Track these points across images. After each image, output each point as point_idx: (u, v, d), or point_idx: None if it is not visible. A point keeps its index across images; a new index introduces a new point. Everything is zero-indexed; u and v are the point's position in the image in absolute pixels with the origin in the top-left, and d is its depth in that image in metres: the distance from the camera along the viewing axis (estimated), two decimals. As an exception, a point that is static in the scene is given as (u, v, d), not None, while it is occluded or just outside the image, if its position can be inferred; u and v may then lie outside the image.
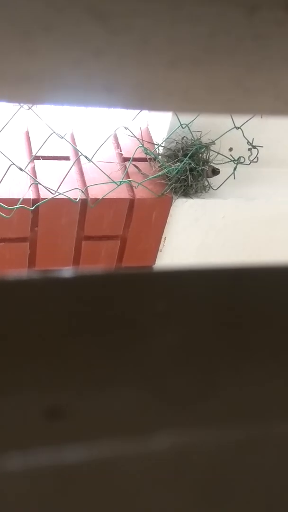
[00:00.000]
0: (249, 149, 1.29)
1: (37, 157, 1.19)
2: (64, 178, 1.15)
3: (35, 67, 0.17)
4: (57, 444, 0.18)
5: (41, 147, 1.16)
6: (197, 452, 0.20)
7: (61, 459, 0.18)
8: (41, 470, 0.18)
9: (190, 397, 0.20)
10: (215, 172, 1.22)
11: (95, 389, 0.20)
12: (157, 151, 1.27)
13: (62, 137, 1.17)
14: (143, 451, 0.19)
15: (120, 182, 1.19)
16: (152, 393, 0.20)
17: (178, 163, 1.22)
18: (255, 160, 1.28)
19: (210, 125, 1.25)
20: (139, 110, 1.21)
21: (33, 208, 1.13)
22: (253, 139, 1.28)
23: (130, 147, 1.27)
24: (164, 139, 1.25)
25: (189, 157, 1.21)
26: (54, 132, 1.15)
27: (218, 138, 1.25)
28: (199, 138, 1.24)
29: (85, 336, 0.21)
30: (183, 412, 0.20)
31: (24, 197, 1.12)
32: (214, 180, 1.25)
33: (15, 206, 1.11)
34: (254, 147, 1.28)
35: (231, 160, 1.27)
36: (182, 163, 1.21)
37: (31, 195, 1.13)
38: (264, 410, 0.20)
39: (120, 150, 1.27)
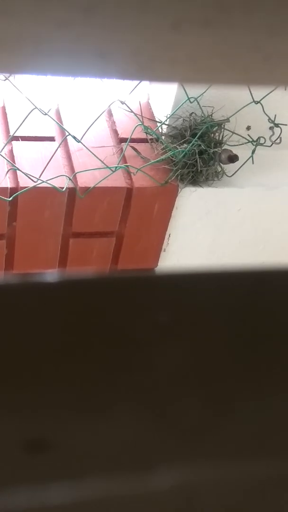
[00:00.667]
0: (271, 128, 1.29)
1: (16, 138, 1.19)
2: (48, 163, 1.15)
3: (12, 29, 0.17)
4: (40, 482, 0.18)
5: (20, 125, 1.16)
6: (204, 492, 0.20)
7: (44, 500, 0.18)
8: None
9: (197, 427, 0.20)
10: (232, 159, 1.22)
11: (85, 417, 0.20)
12: (160, 130, 1.27)
13: (46, 114, 1.17)
14: (141, 490, 0.19)
15: (116, 167, 1.19)
16: (153, 421, 0.20)
17: (185, 145, 1.22)
18: (277, 141, 1.28)
19: (223, 99, 1.25)
20: (137, 81, 1.21)
21: (10, 199, 1.13)
22: (275, 115, 1.28)
23: (127, 126, 1.27)
24: (168, 116, 1.25)
25: (199, 138, 1.21)
26: (36, 108, 1.16)
27: (233, 115, 1.25)
28: (211, 115, 1.24)
29: (73, 354, 0.21)
30: (189, 444, 0.20)
31: (0, 186, 1.12)
32: (229, 166, 1.25)
33: (-11, 197, 1.11)
34: (277, 125, 1.28)
35: (249, 141, 1.27)
36: (190, 144, 1.21)
37: (8, 183, 1.13)
38: (286, 444, 0.20)
39: (116, 130, 1.27)
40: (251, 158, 1.27)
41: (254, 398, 0.21)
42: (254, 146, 1.27)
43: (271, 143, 1.28)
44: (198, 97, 1.22)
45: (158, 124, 1.27)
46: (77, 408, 0.20)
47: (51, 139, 1.22)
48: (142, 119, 1.26)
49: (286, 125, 1.29)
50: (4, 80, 1.17)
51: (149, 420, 0.20)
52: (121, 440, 0.20)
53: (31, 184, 1.13)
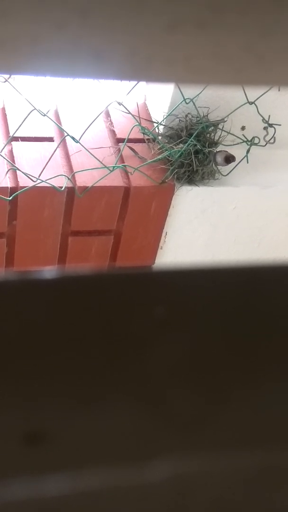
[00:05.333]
0: (265, 128, 1.29)
1: (15, 138, 1.19)
2: (47, 163, 1.15)
3: (10, 31, 0.17)
4: (38, 474, 0.18)
5: (19, 126, 1.16)
6: (201, 484, 0.20)
7: (42, 491, 0.18)
8: (19, 504, 0.18)
9: (193, 419, 0.20)
10: (229, 159, 1.21)
11: (82, 409, 0.20)
12: (157, 130, 1.27)
13: (45, 115, 1.17)
14: (138, 481, 0.19)
15: (113, 167, 1.19)
16: (149, 413, 0.20)
17: (181, 145, 1.22)
18: (271, 140, 1.28)
19: (218, 100, 1.25)
20: (134, 82, 1.21)
21: (10, 198, 1.13)
22: (269, 116, 1.28)
23: (124, 126, 1.27)
24: (164, 117, 1.25)
25: (195, 138, 1.21)
26: (35, 109, 1.15)
27: (228, 115, 1.25)
28: (206, 115, 1.24)
29: (71, 348, 0.21)
30: (185, 436, 0.20)
31: (0, 186, 1.12)
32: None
33: (-11, 196, 1.11)
34: (271, 125, 1.28)
35: (243, 141, 1.27)
36: (186, 144, 1.21)
37: (8, 183, 1.13)
38: (281, 435, 0.20)
39: (113, 130, 1.27)
40: (245, 157, 1.27)
41: (249, 391, 0.21)
42: (248, 146, 1.27)
43: (265, 143, 1.28)
44: (194, 98, 1.22)
45: (155, 125, 1.27)
46: (75, 400, 0.20)
47: (50, 139, 1.22)
48: (139, 119, 1.26)
49: (280, 125, 1.29)
50: (4, 81, 1.17)
51: (146, 412, 0.20)
52: (118, 432, 0.20)
53: (30, 183, 1.13)
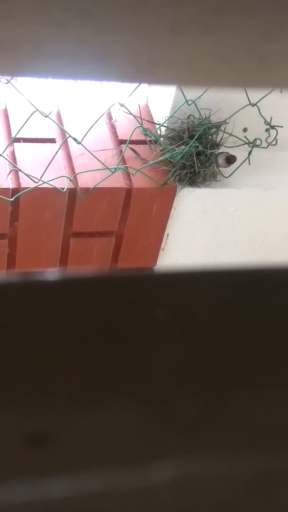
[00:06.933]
0: (267, 130, 1.29)
1: (17, 140, 1.19)
2: (49, 164, 1.15)
3: (12, 33, 0.17)
4: (40, 476, 0.18)
5: (21, 127, 1.16)
6: (202, 486, 0.20)
7: (44, 493, 0.18)
8: (21, 506, 0.18)
9: (195, 421, 0.20)
10: (230, 160, 1.22)
11: (84, 411, 0.20)
12: (159, 132, 1.27)
13: (47, 116, 1.17)
14: (139, 484, 0.19)
15: (115, 168, 1.19)
16: (151, 415, 0.20)
17: (183, 146, 1.22)
18: (273, 142, 1.28)
19: (220, 102, 1.25)
20: (136, 84, 1.21)
21: (12, 199, 1.13)
22: (271, 118, 1.28)
23: (126, 128, 1.27)
24: (166, 118, 1.25)
25: (196, 139, 1.21)
26: (37, 110, 1.15)
27: (230, 117, 1.25)
28: (208, 117, 1.24)
29: (73, 350, 0.21)
30: (188, 438, 0.20)
31: (2, 187, 1.12)
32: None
33: (-9, 197, 1.11)
34: (273, 127, 1.28)
35: (245, 143, 1.27)
36: (188, 146, 1.21)
37: (10, 184, 1.13)
38: (283, 437, 0.20)
39: (115, 131, 1.27)
40: (247, 159, 1.27)
41: (251, 393, 0.21)
42: (250, 148, 1.27)
43: (267, 144, 1.28)
44: (196, 99, 1.22)
45: (157, 126, 1.27)
46: (77, 402, 0.20)
47: (52, 140, 1.22)
48: (141, 121, 1.26)
49: (281, 127, 1.28)
50: (6, 83, 1.17)
51: (148, 414, 0.20)
52: (120, 434, 0.20)
53: (32, 185, 1.13)
